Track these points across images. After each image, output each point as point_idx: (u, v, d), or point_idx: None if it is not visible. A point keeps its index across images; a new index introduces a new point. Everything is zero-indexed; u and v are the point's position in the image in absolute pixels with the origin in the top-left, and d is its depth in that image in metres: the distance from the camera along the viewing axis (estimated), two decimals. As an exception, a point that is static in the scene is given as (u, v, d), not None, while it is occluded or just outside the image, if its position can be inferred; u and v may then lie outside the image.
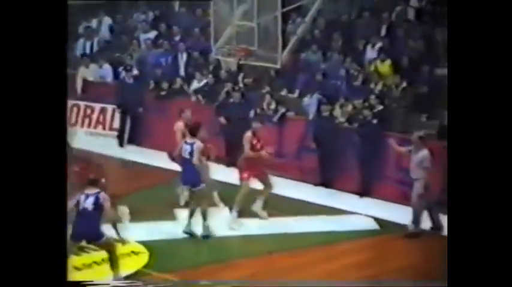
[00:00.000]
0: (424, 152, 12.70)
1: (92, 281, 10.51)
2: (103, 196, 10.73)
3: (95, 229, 10.71)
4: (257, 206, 13.41)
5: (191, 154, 12.52)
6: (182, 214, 13.17)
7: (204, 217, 12.62)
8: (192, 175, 12.54)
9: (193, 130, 12.74)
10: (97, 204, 10.65)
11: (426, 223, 12.86)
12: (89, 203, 10.65)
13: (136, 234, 12.54)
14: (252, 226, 13.18)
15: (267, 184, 13.43)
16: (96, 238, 10.80)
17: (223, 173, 14.67)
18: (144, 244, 12.27)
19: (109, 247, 10.91)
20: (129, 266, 11.62)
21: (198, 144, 12.55)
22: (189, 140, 12.68)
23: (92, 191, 10.73)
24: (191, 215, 12.65)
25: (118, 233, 10.83)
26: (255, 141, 13.28)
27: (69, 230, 10.43)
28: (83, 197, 10.68)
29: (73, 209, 10.61)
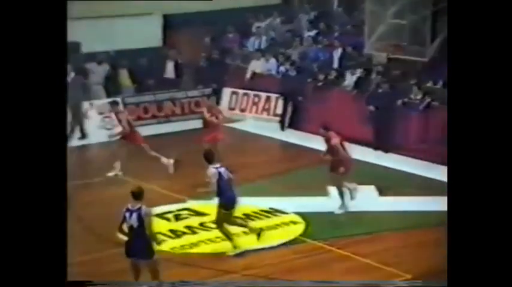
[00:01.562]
0: None
1: (91, 281, 9.35)
2: (145, 210, 9.19)
3: (143, 248, 9.20)
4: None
5: (229, 174, 10.89)
6: (334, 191, 12.90)
7: (229, 237, 10.97)
8: (234, 195, 10.90)
9: (209, 157, 10.92)
10: (141, 220, 9.12)
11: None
12: (134, 220, 9.14)
13: (294, 206, 12.55)
14: (399, 203, 12.85)
15: None
16: (145, 257, 9.27)
17: (371, 156, 14.84)
18: (301, 215, 12.21)
19: (153, 269, 9.35)
20: (288, 234, 11.63)
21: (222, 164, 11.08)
22: (215, 165, 10.83)
23: (135, 205, 9.19)
24: (229, 238, 10.97)
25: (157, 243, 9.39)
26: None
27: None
28: (127, 214, 9.21)
29: (123, 225, 9.27)
